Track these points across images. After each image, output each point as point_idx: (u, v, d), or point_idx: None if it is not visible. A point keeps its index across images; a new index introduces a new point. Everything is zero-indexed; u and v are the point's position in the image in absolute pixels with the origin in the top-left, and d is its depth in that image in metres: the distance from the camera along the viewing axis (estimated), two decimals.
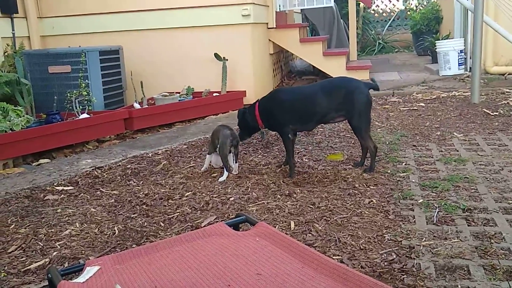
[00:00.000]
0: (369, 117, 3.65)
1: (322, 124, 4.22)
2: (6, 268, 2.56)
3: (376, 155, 3.67)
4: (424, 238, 2.55)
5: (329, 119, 3.68)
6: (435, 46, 8.25)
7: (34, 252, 2.72)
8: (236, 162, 3.79)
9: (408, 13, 13.40)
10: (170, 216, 3.07)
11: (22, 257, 2.67)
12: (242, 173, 3.76)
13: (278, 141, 4.56)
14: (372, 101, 3.69)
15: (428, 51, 9.89)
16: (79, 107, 5.13)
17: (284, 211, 3.00)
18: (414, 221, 2.77)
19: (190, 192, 3.45)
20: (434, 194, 3.13)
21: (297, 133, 3.83)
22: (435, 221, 2.74)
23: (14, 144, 4.37)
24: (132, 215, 3.12)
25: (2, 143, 4.28)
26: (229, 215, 3.01)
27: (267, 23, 7.54)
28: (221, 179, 3.66)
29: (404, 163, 3.78)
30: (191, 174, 3.85)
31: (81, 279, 1.77)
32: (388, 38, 13.78)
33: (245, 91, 6.28)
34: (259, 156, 4.18)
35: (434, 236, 2.57)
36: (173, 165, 4.13)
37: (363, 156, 3.74)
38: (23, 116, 4.72)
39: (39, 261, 2.61)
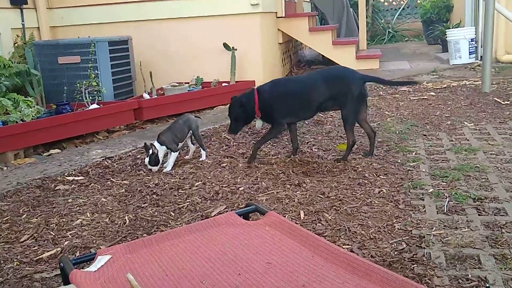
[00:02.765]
0: (357, 110, 3.66)
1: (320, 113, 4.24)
2: (18, 257, 2.58)
3: (352, 148, 3.71)
4: (435, 228, 2.54)
5: (326, 108, 3.77)
6: (446, 34, 8.18)
7: (46, 241, 2.75)
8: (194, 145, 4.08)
9: (418, 1, 13.29)
10: (180, 205, 3.08)
11: (34, 246, 2.70)
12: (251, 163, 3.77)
13: (286, 131, 4.55)
14: (367, 94, 3.72)
15: (439, 40, 9.81)
16: (89, 98, 5.14)
17: (294, 201, 3.00)
18: (424, 210, 2.76)
19: (199, 182, 3.46)
20: (445, 183, 3.12)
21: (297, 122, 3.91)
22: (445, 211, 2.73)
23: (25, 134, 4.40)
24: (143, 205, 3.14)
25: (13, 134, 4.31)
26: (238, 204, 3.01)
27: (276, 12, 7.51)
28: (202, 158, 3.97)
29: (414, 153, 3.76)
30: (201, 164, 3.85)
31: (93, 268, 1.79)
32: (398, 27, 13.68)
33: (254, 80, 6.26)
34: (268, 146, 4.18)
35: (445, 226, 2.56)
36: (182, 154, 4.13)
37: (371, 144, 3.75)
38: (34, 106, 4.74)
39: (51, 250, 2.63)
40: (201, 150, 4.00)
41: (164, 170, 3.76)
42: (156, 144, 3.74)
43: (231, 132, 3.90)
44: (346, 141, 4.07)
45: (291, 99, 3.68)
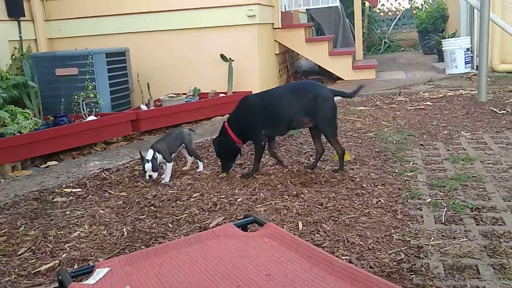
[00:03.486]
0: (335, 122, 3.72)
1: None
2: (16, 270, 2.57)
3: (344, 157, 3.72)
4: (433, 238, 2.54)
5: (297, 123, 3.74)
6: (441, 44, 8.23)
7: (43, 254, 2.74)
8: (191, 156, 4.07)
9: (414, 11, 13.36)
10: (178, 217, 3.08)
11: (32, 259, 2.68)
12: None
13: (284, 142, 4.57)
14: (336, 107, 3.73)
15: (434, 50, 9.87)
16: (87, 109, 5.15)
17: (292, 212, 3.00)
18: (423, 220, 2.76)
19: (197, 193, 3.46)
20: (442, 193, 3.13)
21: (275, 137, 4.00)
22: (443, 221, 2.74)
23: (23, 146, 4.39)
24: (141, 217, 3.14)
25: (11, 146, 4.31)
26: (237, 216, 3.01)
27: (272, 23, 7.55)
28: (200, 169, 3.96)
29: (411, 163, 3.77)
30: (199, 175, 3.86)
31: (91, 280, 1.78)
32: (394, 37, 13.76)
33: (251, 91, 6.27)
34: (266, 157, 4.18)
35: (443, 236, 2.56)
36: (180, 166, 4.14)
37: (316, 160, 3.83)
38: (31, 118, 4.75)
39: (49, 263, 2.62)
40: (198, 161, 4.00)
41: (162, 182, 3.76)
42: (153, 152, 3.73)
43: (224, 170, 3.89)
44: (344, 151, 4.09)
45: (259, 116, 3.72)
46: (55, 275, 2.40)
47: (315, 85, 3.83)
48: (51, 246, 2.82)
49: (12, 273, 2.54)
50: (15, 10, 6.22)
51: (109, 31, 6.71)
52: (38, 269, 2.56)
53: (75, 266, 2.56)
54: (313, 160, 3.87)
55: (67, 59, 5.55)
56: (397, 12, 14.40)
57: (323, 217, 2.88)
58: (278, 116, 3.68)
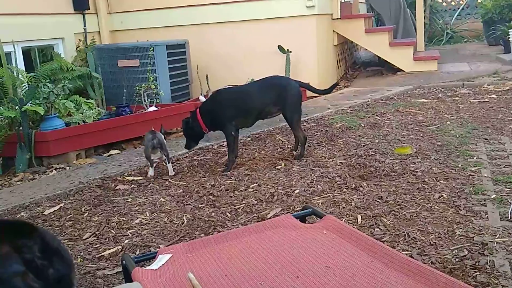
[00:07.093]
0: (299, 110, 3.99)
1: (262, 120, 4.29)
2: (82, 253, 2.68)
3: (305, 144, 4.00)
4: (498, 235, 2.45)
5: (267, 114, 4.00)
6: (508, 35, 7.88)
7: (107, 239, 2.84)
8: (169, 163, 3.90)
9: (479, 1, 12.87)
10: (236, 207, 3.11)
11: (96, 244, 2.78)
12: (306, 166, 3.76)
13: (342, 134, 4.52)
14: (302, 96, 4.04)
15: (500, 41, 9.46)
16: (148, 100, 5.27)
17: (351, 205, 2.97)
18: (487, 217, 2.67)
19: (255, 184, 3.48)
20: (508, 189, 3.01)
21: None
22: (509, 218, 2.63)
23: (87, 135, 4.56)
24: (200, 205, 3.19)
25: (76, 135, 4.47)
26: (294, 207, 3.01)
27: (331, 14, 7.45)
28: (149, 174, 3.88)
29: (475, 157, 3.65)
30: (256, 166, 3.87)
31: (154, 266, 1.83)
32: (456, 28, 13.29)
33: (309, 83, 6.23)
34: (324, 149, 4.15)
35: (509, 233, 2.47)
36: (238, 156, 4.16)
37: (296, 145, 4.08)
38: (95, 108, 4.91)
39: (112, 248, 2.71)
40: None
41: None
42: None
43: (186, 147, 4.11)
44: (405, 145, 4.02)
45: (231, 105, 3.90)
46: (119, 260, 2.49)
47: (285, 78, 4.13)
48: (114, 232, 2.91)
49: (78, 257, 2.64)
50: (81, 3, 6.42)
51: (169, 24, 6.82)
52: (102, 254, 2.66)
53: (137, 252, 2.63)
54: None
55: (129, 51, 5.69)
56: (461, 2, 13.88)
57: (383, 211, 2.84)
58: (250, 108, 3.92)
